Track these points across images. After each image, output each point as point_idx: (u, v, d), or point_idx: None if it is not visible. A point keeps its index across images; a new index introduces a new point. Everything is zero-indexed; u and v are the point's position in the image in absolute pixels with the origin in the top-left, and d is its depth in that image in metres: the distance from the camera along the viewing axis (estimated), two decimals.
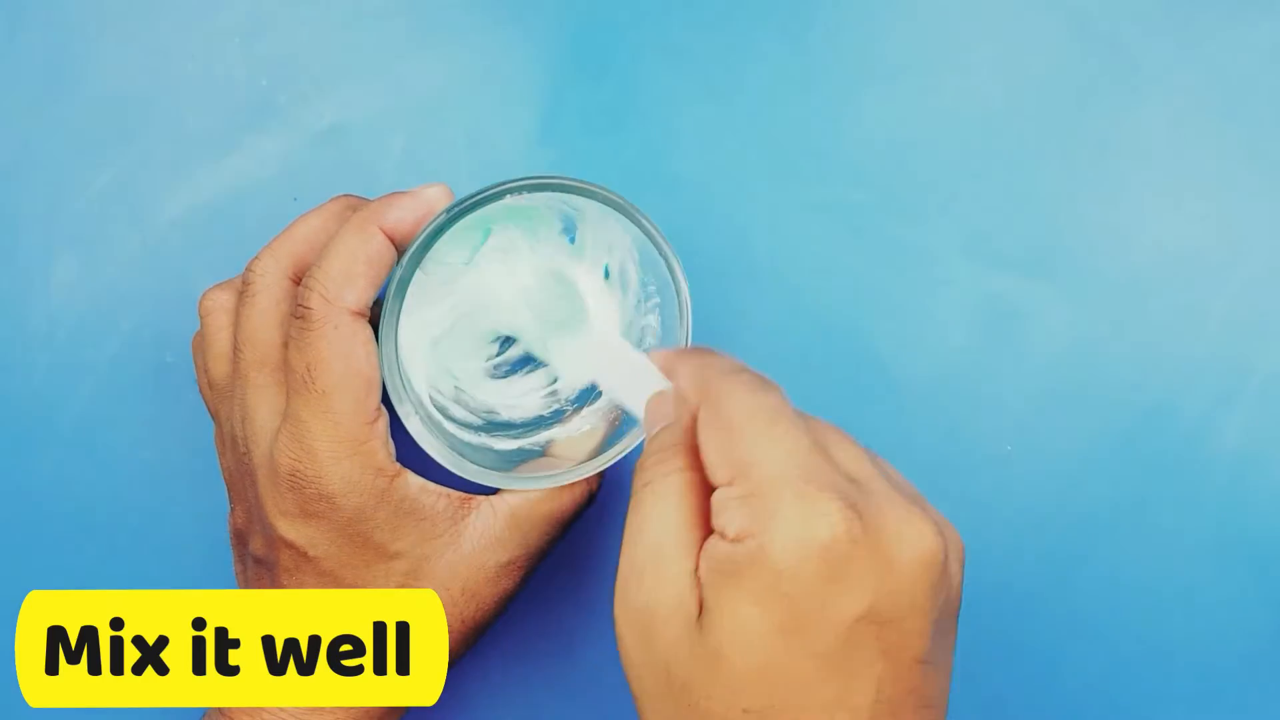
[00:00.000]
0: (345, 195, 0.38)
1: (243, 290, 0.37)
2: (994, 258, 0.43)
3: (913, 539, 0.28)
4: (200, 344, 0.39)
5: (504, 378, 0.41)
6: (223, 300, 0.38)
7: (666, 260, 0.36)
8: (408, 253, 0.35)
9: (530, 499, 0.37)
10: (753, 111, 0.43)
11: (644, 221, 0.36)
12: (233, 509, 0.39)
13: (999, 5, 0.43)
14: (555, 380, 0.40)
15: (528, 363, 0.41)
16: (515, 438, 0.39)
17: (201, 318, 0.38)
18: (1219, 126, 0.43)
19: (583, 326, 0.39)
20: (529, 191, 0.35)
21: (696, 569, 0.29)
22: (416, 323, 0.38)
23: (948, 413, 0.43)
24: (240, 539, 0.39)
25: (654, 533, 0.30)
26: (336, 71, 0.43)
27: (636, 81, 0.43)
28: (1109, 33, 0.43)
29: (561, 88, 0.43)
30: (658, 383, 0.34)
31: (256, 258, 0.37)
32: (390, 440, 0.36)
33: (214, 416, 0.39)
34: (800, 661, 0.28)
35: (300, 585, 0.36)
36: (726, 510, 0.29)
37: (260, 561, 0.37)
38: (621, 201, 0.36)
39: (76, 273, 0.43)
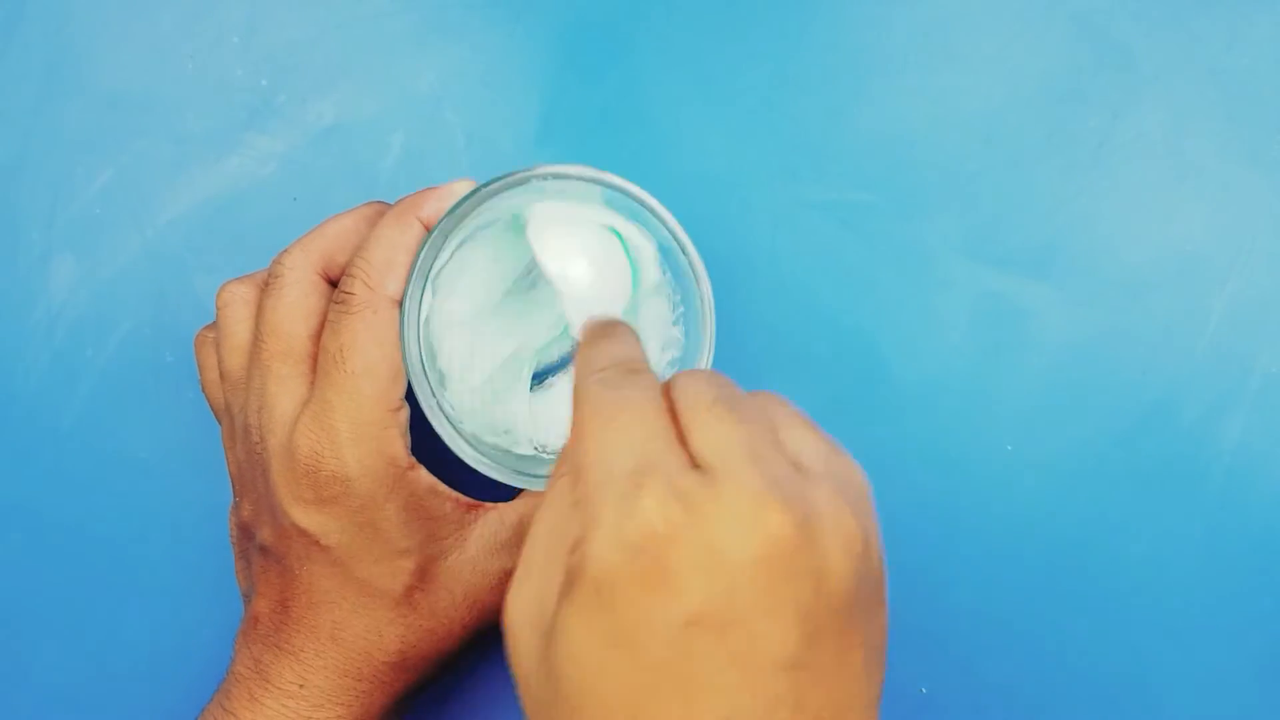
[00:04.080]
0: (377, 201, 0.39)
1: (269, 282, 0.37)
2: (994, 258, 0.43)
3: (744, 527, 0.25)
4: (207, 337, 0.39)
5: (536, 387, 0.40)
6: (242, 293, 0.38)
7: (691, 263, 0.36)
8: (426, 242, 0.35)
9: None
10: (753, 111, 0.43)
11: (669, 221, 0.35)
12: (238, 503, 0.39)
13: (999, 4, 0.43)
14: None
15: (562, 366, 0.40)
16: (536, 445, 0.39)
17: (219, 309, 0.38)
18: (1219, 126, 0.43)
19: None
20: (553, 180, 0.35)
21: None
22: (455, 324, 0.38)
23: (948, 413, 0.43)
24: (245, 532, 0.38)
25: (533, 539, 0.28)
26: (336, 71, 0.43)
27: (636, 81, 0.43)
28: (1109, 32, 0.43)
29: (561, 88, 0.43)
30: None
31: (286, 251, 0.37)
32: (408, 434, 0.36)
33: (218, 411, 0.39)
34: (632, 677, 0.25)
35: (311, 575, 0.36)
36: (570, 519, 0.27)
37: (268, 552, 0.37)
38: (646, 198, 0.35)
39: (76, 273, 0.43)
